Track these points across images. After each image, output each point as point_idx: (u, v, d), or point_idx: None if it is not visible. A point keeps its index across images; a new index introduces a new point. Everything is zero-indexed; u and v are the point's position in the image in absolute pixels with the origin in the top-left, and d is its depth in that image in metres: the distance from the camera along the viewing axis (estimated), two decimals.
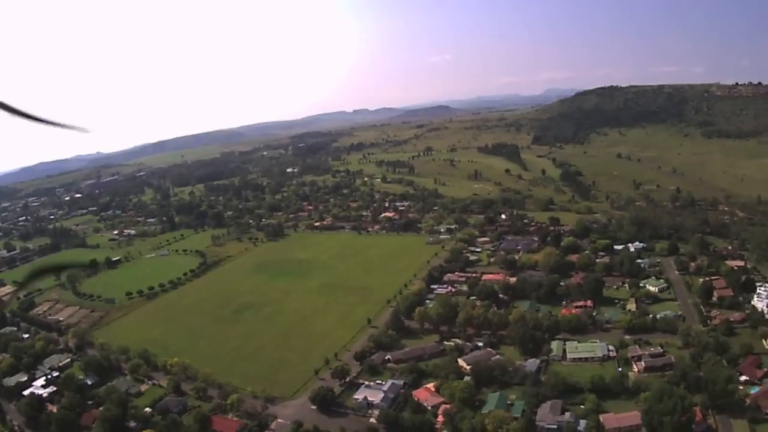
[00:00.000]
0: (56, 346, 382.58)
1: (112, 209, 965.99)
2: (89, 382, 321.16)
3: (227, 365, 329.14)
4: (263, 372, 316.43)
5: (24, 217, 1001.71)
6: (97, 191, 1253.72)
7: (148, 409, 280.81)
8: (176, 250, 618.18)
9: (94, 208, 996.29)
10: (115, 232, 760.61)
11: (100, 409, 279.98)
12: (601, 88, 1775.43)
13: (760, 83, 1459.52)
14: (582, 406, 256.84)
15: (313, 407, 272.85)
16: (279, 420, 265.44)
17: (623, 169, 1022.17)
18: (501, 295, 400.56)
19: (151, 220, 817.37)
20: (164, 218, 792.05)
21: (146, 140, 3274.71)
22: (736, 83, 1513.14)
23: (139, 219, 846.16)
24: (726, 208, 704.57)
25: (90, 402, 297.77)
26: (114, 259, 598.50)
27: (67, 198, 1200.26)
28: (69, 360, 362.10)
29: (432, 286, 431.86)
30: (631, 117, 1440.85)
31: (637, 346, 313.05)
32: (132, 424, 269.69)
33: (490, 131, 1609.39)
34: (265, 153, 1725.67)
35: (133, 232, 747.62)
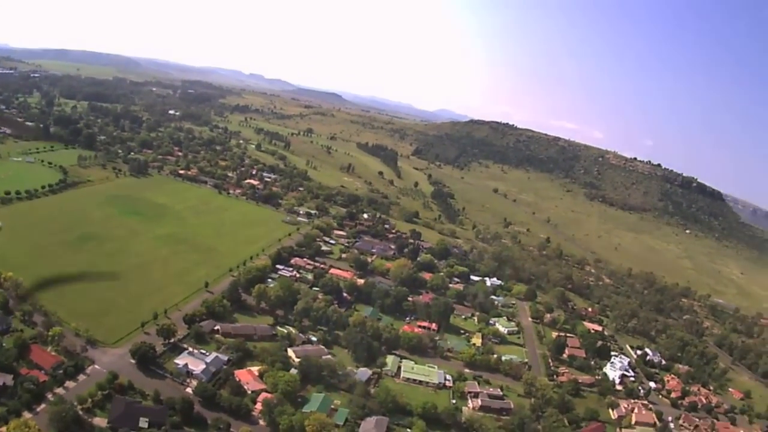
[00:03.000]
0: None
1: None
2: None
3: (58, 293, 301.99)
4: (90, 310, 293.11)
5: None
6: None
7: None
8: (42, 161, 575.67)
9: None
10: None
11: None
12: (496, 122, 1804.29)
13: (659, 165, 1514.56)
14: (409, 430, 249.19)
15: (132, 361, 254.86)
16: (96, 366, 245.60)
17: (497, 204, 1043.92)
18: (345, 294, 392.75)
19: (30, 124, 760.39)
20: (41, 125, 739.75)
21: (50, 45, 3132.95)
22: (635, 158, 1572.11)
23: (19, 119, 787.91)
24: (593, 271, 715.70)
25: None
26: None
27: None
28: None
29: (277, 266, 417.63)
30: (518, 158, 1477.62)
31: (476, 383, 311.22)
32: None
33: (374, 131, 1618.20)
34: (154, 89, 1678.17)
35: (8, 131, 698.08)
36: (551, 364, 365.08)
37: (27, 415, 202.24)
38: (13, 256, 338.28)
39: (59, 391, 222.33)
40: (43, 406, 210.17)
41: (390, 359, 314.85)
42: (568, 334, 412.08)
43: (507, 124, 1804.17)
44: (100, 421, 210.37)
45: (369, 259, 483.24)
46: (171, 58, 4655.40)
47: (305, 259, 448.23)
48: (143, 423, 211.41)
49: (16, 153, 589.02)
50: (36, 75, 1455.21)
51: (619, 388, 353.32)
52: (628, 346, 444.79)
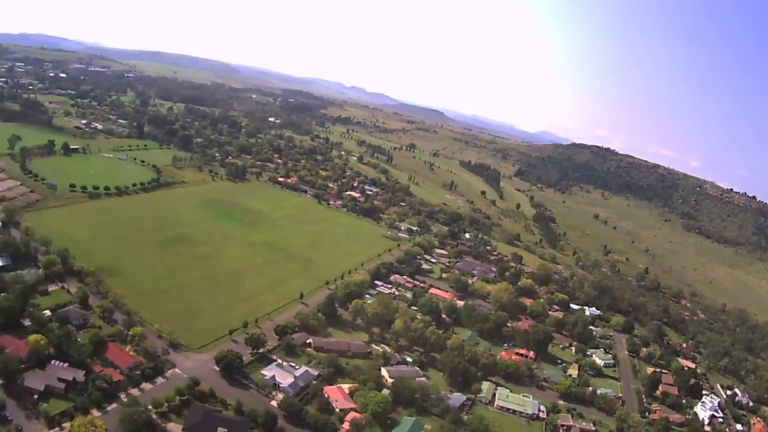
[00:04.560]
0: None
1: (90, 99, 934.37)
2: (0, 264, 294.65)
3: (142, 293, 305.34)
4: (177, 313, 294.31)
5: (5, 79, 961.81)
6: (82, 77, 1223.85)
7: (47, 312, 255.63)
8: (135, 159, 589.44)
9: (73, 92, 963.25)
10: (84, 121, 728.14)
11: (2, 295, 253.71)
12: (598, 147, 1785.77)
13: (754, 197, 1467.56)
14: None
15: (216, 368, 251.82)
16: (176, 370, 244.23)
17: (597, 230, 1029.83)
18: (444, 316, 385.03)
19: (123, 121, 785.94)
20: (135, 124, 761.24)
21: (146, 47, 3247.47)
22: (731, 189, 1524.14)
23: (111, 116, 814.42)
24: (689, 305, 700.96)
25: None
26: (72, 147, 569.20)
27: (52, 74, 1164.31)
28: None
29: (376, 282, 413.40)
30: (619, 184, 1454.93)
31: (570, 416, 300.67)
32: (27, 322, 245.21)
33: (477, 150, 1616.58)
34: (254, 96, 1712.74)
35: (100, 126, 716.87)
36: (644, 400, 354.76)
37: (95, 413, 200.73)
38: (97, 251, 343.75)
39: (134, 392, 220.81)
40: (114, 405, 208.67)
41: (485, 386, 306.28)
42: (662, 370, 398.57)
43: (608, 149, 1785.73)
44: (174, 427, 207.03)
45: (470, 281, 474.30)
46: (271, 66, 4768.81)
47: (405, 277, 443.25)
48: None
49: (107, 149, 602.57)
50: (130, 75, 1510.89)
51: (707, 429, 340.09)
52: (718, 385, 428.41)
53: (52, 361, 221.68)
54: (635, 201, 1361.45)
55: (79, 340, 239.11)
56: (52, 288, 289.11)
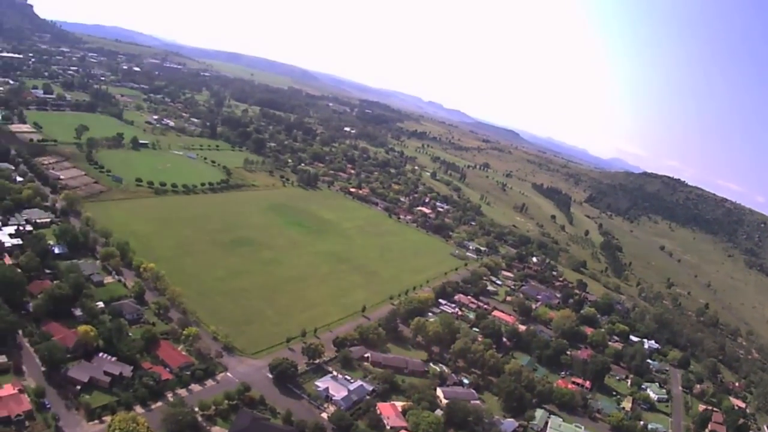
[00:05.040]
0: (43, 201, 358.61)
1: (163, 95, 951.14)
2: (57, 251, 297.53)
3: (201, 293, 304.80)
4: (234, 316, 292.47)
5: (76, 69, 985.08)
6: (156, 72, 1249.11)
7: (100, 304, 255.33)
8: (205, 158, 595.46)
9: (146, 87, 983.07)
10: (155, 117, 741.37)
11: (55, 282, 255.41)
12: (669, 177, 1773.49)
13: None
14: None
15: (269, 375, 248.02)
16: (228, 374, 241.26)
17: (662, 262, 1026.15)
18: (505, 339, 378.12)
19: (195, 120, 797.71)
20: (208, 123, 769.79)
21: (224, 48, 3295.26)
22: None
23: (184, 114, 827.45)
24: (744, 343, 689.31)
25: (48, 271, 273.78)
26: (141, 141, 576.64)
27: (125, 67, 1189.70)
28: (48, 220, 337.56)
29: (440, 300, 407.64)
30: (686, 216, 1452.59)
31: None
32: (78, 312, 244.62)
33: (549, 173, 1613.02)
34: (330, 104, 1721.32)
35: (172, 123, 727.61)
36: None
37: (139, 410, 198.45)
38: (159, 247, 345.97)
39: (181, 392, 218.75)
40: (159, 404, 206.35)
41: (539, 413, 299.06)
42: (713, 408, 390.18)
43: (678, 179, 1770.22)
44: (218, 431, 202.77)
45: (533, 306, 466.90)
46: (349, 76, 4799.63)
47: (469, 297, 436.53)
48: None
49: (177, 146, 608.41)
50: (206, 74, 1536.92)
51: None
52: (765, 427, 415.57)
53: (100, 354, 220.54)
54: (701, 234, 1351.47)
55: (130, 335, 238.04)
56: (108, 280, 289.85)
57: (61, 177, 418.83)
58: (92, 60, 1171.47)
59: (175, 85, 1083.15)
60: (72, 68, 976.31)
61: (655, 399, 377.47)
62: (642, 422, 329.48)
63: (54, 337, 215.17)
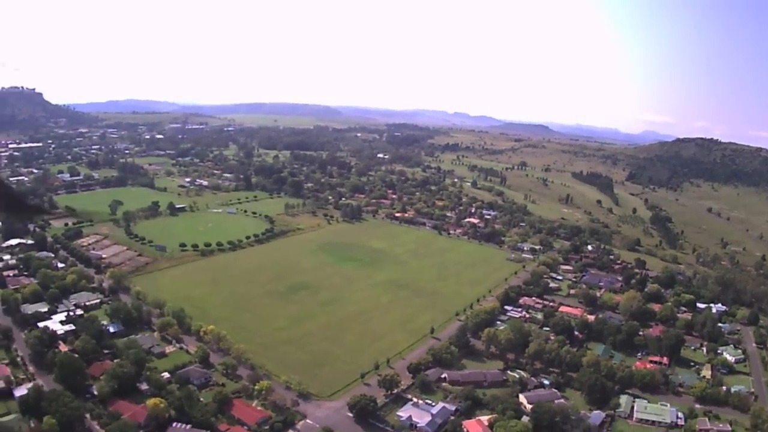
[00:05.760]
0: (89, 283, 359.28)
1: (191, 156, 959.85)
2: (111, 330, 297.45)
3: (266, 346, 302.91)
4: (304, 362, 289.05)
5: (98, 147, 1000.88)
6: (180, 136, 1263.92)
7: (166, 375, 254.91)
8: (245, 211, 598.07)
9: (172, 152, 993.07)
10: (188, 179, 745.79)
11: (115, 361, 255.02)
12: (702, 138, 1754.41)
13: None
14: None
15: (350, 414, 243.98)
16: (308, 420, 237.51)
17: (712, 224, 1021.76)
18: (576, 333, 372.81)
19: (228, 175, 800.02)
20: (241, 176, 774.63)
21: (242, 100, 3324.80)
22: None
23: (215, 171, 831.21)
24: None
25: (106, 351, 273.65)
26: (178, 206, 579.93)
27: (148, 137, 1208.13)
28: (98, 301, 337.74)
29: (506, 307, 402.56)
30: (726, 174, 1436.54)
31: (707, 419, 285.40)
32: (144, 386, 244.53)
33: (586, 159, 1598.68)
34: (359, 134, 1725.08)
35: (205, 183, 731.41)
36: None
37: None
38: (214, 307, 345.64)
39: None
40: None
41: (623, 399, 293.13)
42: None
43: (711, 139, 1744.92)
44: None
45: (598, 294, 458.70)
46: (372, 103, 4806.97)
47: (534, 298, 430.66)
48: None
49: (215, 204, 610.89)
50: (230, 128, 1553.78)
51: None
52: None
53: (174, 424, 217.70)
54: (743, 188, 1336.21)
55: (201, 399, 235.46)
56: (169, 350, 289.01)
57: (104, 255, 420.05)
58: (113, 136, 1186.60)
59: (201, 145, 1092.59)
60: (94, 147, 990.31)
61: (733, 361, 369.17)
62: (724, 387, 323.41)
63: (123, 416, 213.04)
